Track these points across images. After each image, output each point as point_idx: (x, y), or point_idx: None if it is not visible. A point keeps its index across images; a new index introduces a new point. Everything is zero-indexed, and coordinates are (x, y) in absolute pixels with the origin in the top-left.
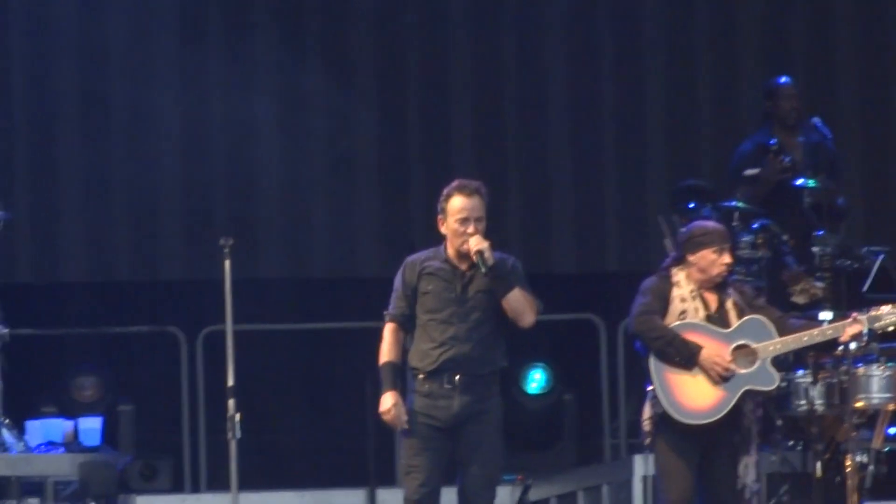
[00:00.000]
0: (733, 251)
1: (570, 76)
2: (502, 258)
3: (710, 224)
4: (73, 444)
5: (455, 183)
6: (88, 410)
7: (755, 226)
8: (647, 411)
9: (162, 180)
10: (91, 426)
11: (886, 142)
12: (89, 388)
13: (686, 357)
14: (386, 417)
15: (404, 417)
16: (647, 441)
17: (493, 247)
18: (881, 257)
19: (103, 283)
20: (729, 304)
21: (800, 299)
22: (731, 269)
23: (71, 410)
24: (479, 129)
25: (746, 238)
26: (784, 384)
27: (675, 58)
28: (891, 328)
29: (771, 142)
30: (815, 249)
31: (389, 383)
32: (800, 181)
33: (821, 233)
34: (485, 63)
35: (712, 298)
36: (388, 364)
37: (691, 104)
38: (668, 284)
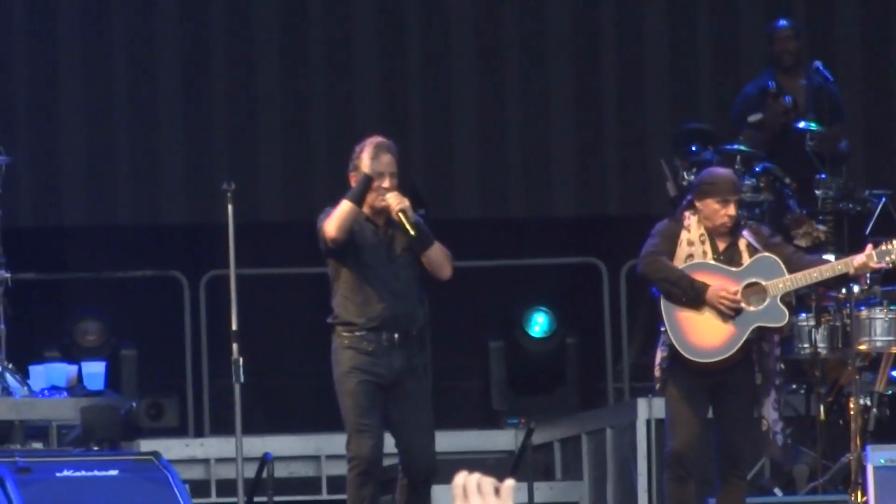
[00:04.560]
0: (738, 201)
1: (571, 18)
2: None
3: (721, 173)
4: (76, 388)
5: (368, 140)
6: (92, 355)
7: (758, 169)
8: (658, 355)
9: (163, 124)
10: (94, 371)
11: (887, 85)
12: (92, 333)
13: (692, 296)
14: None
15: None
16: (658, 386)
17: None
18: (883, 200)
19: (106, 227)
20: (742, 246)
21: (802, 242)
22: (734, 222)
23: (74, 355)
24: (482, 69)
25: (749, 181)
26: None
27: (675, 0)
28: None
29: (769, 84)
30: (817, 192)
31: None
32: (801, 124)
33: (823, 176)
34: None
35: (723, 241)
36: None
37: (692, 46)
38: (678, 227)
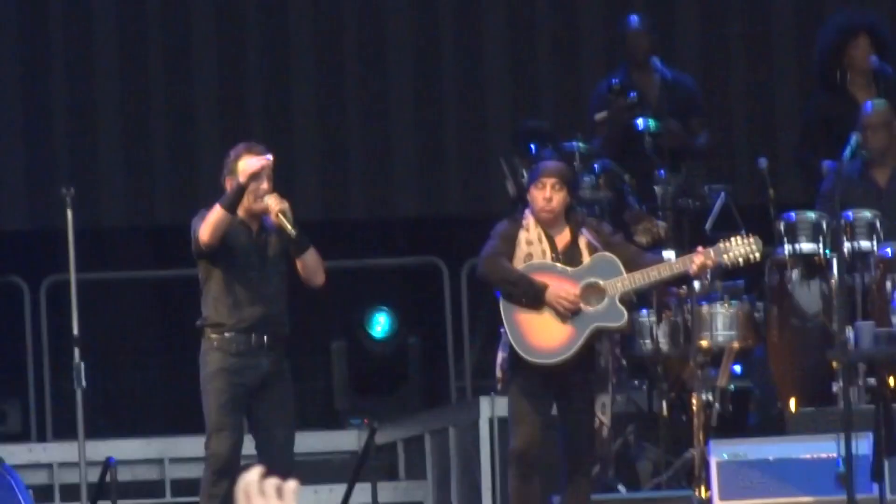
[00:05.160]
0: (574, 187)
1: (412, 20)
2: None
3: (544, 163)
4: None
5: (241, 144)
6: None
7: (596, 167)
8: (499, 356)
9: (2, 129)
10: None
11: (726, 82)
12: None
13: (532, 296)
14: (256, 163)
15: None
16: (500, 387)
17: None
18: (722, 196)
19: None
20: (582, 244)
21: (642, 239)
22: (552, 204)
23: None
24: (320, 68)
25: (588, 179)
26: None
27: None
28: (740, 261)
29: (613, 81)
30: (656, 189)
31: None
32: (640, 121)
33: (662, 173)
34: (325, 4)
35: (563, 239)
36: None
37: (531, 44)
38: (517, 228)
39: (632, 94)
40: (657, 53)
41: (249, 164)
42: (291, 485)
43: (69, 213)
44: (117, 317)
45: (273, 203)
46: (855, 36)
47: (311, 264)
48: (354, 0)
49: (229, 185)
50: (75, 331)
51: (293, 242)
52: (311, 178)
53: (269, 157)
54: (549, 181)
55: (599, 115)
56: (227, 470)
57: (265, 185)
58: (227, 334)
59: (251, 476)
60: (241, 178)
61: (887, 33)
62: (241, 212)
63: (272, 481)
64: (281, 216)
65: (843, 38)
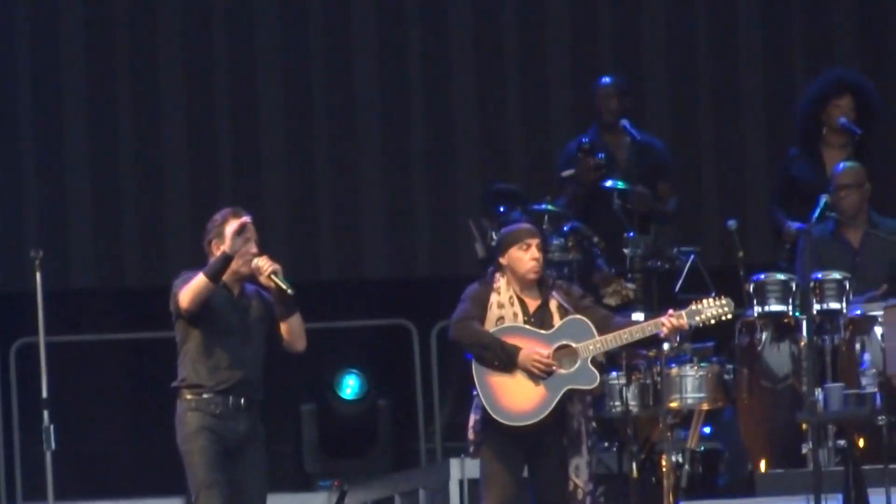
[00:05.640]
0: (544, 249)
1: (380, 77)
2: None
3: (517, 224)
4: None
5: (227, 209)
6: None
7: (566, 228)
8: (471, 419)
9: None
10: None
11: (695, 144)
12: None
13: (504, 359)
14: (238, 237)
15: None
16: (473, 449)
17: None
18: (692, 258)
19: None
20: (553, 307)
21: (612, 301)
22: (542, 264)
23: None
24: (289, 130)
25: (557, 241)
26: None
27: (484, 58)
28: (712, 321)
29: (583, 139)
30: (625, 251)
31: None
32: (609, 183)
33: (631, 234)
34: (293, 60)
35: (533, 302)
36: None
37: (501, 106)
38: (488, 291)
39: (600, 155)
40: (627, 115)
41: (230, 228)
42: None
43: (38, 276)
44: (87, 379)
45: (264, 265)
46: (839, 95)
47: (296, 328)
48: (323, 57)
49: (215, 248)
50: (45, 393)
51: (285, 303)
52: (280, 239)
53: (248, 217)
54: (535, 242)
55: (566, 172)
56: None
57: (254, 249)
58: (205, 395)
59: None
60: (227, 247)
61: (874, 96)
62: (224, 275)
63: None
64: (273, 277)
65: (825, 96)
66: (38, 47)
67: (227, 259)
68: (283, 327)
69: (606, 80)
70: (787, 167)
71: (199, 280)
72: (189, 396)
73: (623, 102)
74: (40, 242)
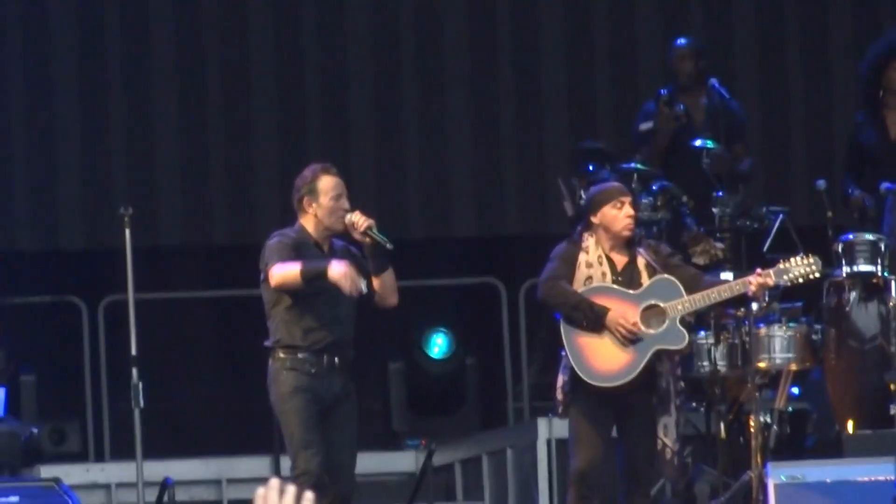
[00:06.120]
0: (635, 206)
1: (469, 39)
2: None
3: (608, 183)
4: None
5: (316, 165)
6: None
7: (654, 187)
8: (560, 379)
9: (60, 148)
10: None
11: (784, 103)
12: None
13: (592, 320)
14: (348, 275)
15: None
16: (561, 409)
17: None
18: (780, 217)
19: (3, 253)
20: (641, 265)
21: (700, 260)
22: (635, 222)
23: None
24: (377, 89)
25: (646, 200)
26: None
27: (572, 17)
28: (800, 280)
29: (661, 91)
30: (714, 210)
31: (323, 261)
32: (698, 142)
33: (720, 194)
34: (381, 24)
35: (622, 260)
36: (304, 262)
37: (588, 64)
38: (577, 250)
39: (680, 107)
40: (708, 76)
41: (341, 271)
42: (309, 495)
43: (127, 233)
44: (175, 336)
45: (359, 220)
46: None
47: (389, 283)
48: (411, 18)
49: (306, 205)
50: (133, 350)
51: (380, 258)
52: (369, 197)
53: (361, 287)
54: (628, 199)
55: (644, 126)
56: (319, 487)
57: (346, 205)
58: (300, 355)
59: (272, 483)
60: (332, 275)
61: None
62: (313, 230)
63: (291, 489)
64: (368, 230)
65: (885, 58)
66: (126, 6)
67: (323, 273)
68: (376, 282)
69: (681, 41)
70: (854, 133)
71: (293, 273)
72: (283, 356)
73: (699, 64)
74: (129, 200)
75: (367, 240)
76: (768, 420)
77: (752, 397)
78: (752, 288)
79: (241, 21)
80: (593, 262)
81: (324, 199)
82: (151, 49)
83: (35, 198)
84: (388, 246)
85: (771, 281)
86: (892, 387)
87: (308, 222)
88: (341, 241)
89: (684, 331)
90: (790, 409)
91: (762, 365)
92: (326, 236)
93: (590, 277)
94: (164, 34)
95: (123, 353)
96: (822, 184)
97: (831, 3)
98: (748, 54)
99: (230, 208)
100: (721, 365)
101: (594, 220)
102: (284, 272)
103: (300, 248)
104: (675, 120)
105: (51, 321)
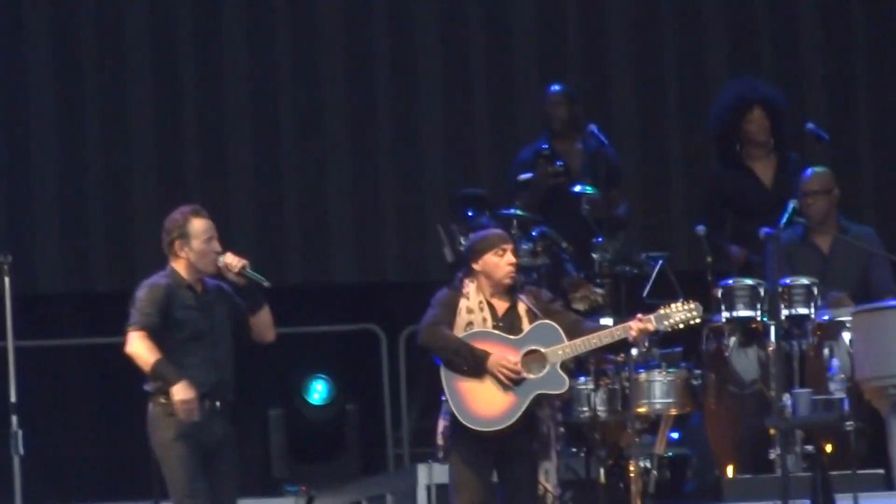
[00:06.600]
0: (515, 253)
1: (347, 81)
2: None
3: (489, 230)
4: None
5: (185, 207)
6: None
7: (534, 233)
8: (440, 424)
9: None
10: None
11: (663, 148)
12: None
13: (473, 364)
14: (188, 406)
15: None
16: (442, 455)
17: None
18: (660, 263)
19: None
20: (522, 311)
21: (580, 306)
22: (516, 269)
23: None
24: (256, 134)
25: (525, 246)
26: None
27: (450, 61)
28: (681, 325)
29: (543, 146)
30: (594, 256)
31: (176, 374)
32: (577, 188)
33: (600, 239)
34: (260, 65)
35: (503, 306)
36: (162, 359)
37: (468, 111)
38: (457, 296)
39: (559, 163)
40: (583, 121)
41: (183, 398)
42: None
43: (6, 280)
44: (55, 383)
45: (233, 261)
46: (749, 109)
47: (266, 320)
48: (291, 64)
49: (178, 249)
50: (13, 398)
51: (256, 297)
52: (247, 243)
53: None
54: (509, 247)
55: (523, 177)
56: None
57: (217, 247)
58: None
59: None
60: (174, 395)
61: (781, 102)
62: (185, 273)
63: None
64: (243, 270)
65: (736, 111)
66: (4, 53)
67: (177, 377)
68: (252, 321)
69: (555, 87)
70: (716, 186)
71: (145, 362)
72: (164, 401)
73: (573, 109)
74: (8, 248)
75: (243, 280)
76: (648, 465)
77: (631, 442)
78: (633, 333)
79: (120, 63)
80: (474, 308)
81: (195, 243)
82: (30, 96)
83: None
84: (266, 284)
85: (651, 326)
86: (771, 431)
87: (180, 265)
88: (214, 281)
89: (565, 376)
90: (670, 453)
91: (642, 410)
92: (198, 278)
93: (470, 323)
94: (45, 82)
95: (3, 400)
96: (701, 229)
97: (708, 45)
98: (626, 99)
99: (109, 255)
100: (601, 410)
101: (476, 266)
102: (138, 353)
103: (172, 296)
104: (553, 176)
105: None
